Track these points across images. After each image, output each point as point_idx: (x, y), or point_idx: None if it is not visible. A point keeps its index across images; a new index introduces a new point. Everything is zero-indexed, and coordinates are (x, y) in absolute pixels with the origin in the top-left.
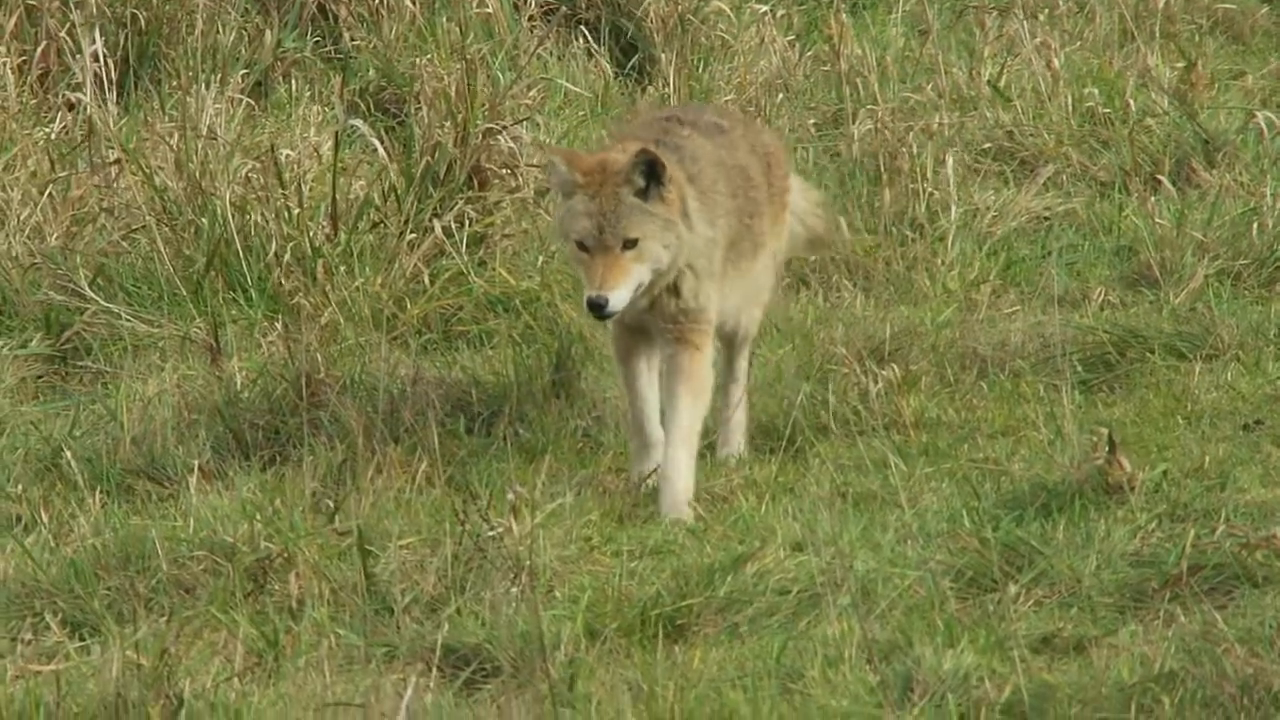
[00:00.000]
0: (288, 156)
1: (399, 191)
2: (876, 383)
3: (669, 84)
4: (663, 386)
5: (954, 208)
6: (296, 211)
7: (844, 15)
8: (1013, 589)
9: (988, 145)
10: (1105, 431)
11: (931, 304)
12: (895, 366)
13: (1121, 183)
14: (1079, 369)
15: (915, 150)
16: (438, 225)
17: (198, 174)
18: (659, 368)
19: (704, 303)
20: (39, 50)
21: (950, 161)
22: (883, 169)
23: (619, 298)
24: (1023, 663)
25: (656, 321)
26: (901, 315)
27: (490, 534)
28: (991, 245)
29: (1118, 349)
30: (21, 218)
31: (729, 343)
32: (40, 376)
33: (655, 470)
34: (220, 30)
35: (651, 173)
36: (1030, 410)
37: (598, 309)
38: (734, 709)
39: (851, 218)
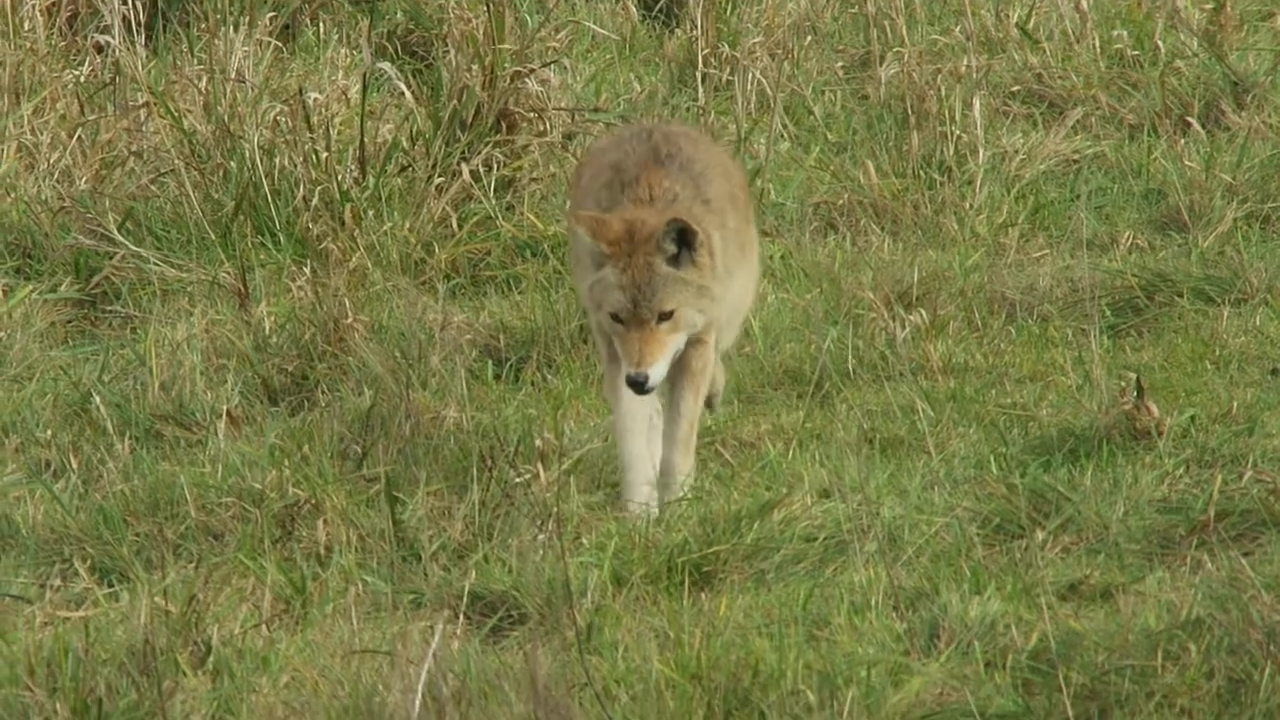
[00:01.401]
0: (315, 100)
1: (427, 135)
2: (904, 328)
3: (696, 26)
4: (670, 386)
5: (982, 151)
6: (324, 155)
7: None
8: (1040, 535)
9: (1016, 88)
10: (1133, 376)
11: (959, 248)
12: (923, 311)
13: (1150, 125)
14: (1107, 313)
15: (943, 93)
16: (465, 169)
17: (226, 117)
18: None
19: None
20: None
21: (978, 104)
22: (910, 112)
23: (658, 372)
24: (1049, 610)
25: None
26: (929, 259)
27: (518, 481)
28: (1020, 189)
29: (1146, 293)
30: (50, 161)
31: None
32: (69, 321)
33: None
34: None
35: (683, 239)
36: (1058, 355)
37: (638, 387)
38: (760, 656)
39: (879, 161)
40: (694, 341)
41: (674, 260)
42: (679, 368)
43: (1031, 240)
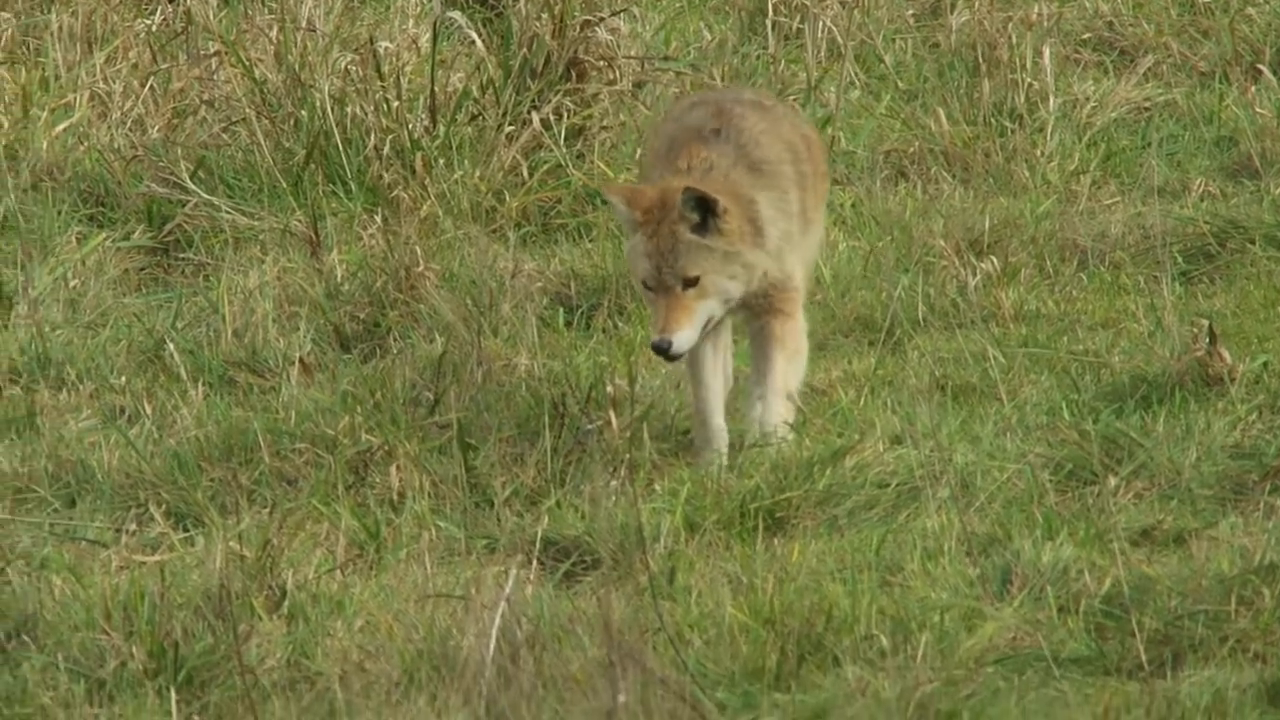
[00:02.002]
0: (386, 49)
1: (497, 84)
2: (975, 275)
3: None
4: (754, 354)
5: (1053, 99)
6: (395, 104)
7: None
8: (1112, 481)
9: (1087, 35)
10: (1205, 323)
11: (1031, 195)
12: (994, 259)
13: (1222, 72)
14: (1179, 260)
15: (1014, 41)
16: (536, 118)
17: (297, 66)
18: (724, 353)
19: (790, 269)
20: None
21: (1049, 52)
22: (981, 60)
23: (683, 339)
24: (1122, 555)
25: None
26: (1000, 207)
27: (590, 427)
28: (1091, 136)
29: (1218, 240)
30: (123, 110)
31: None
32: (142, 269)
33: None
34: None
35: (703, 207)
36: (1130, 302)
37: (661, 352)
38: (833, 602)
39: (950, 109)
40: (774, 312)
41: (699, 228)
42: (761, 339)
43: (1103, 187)
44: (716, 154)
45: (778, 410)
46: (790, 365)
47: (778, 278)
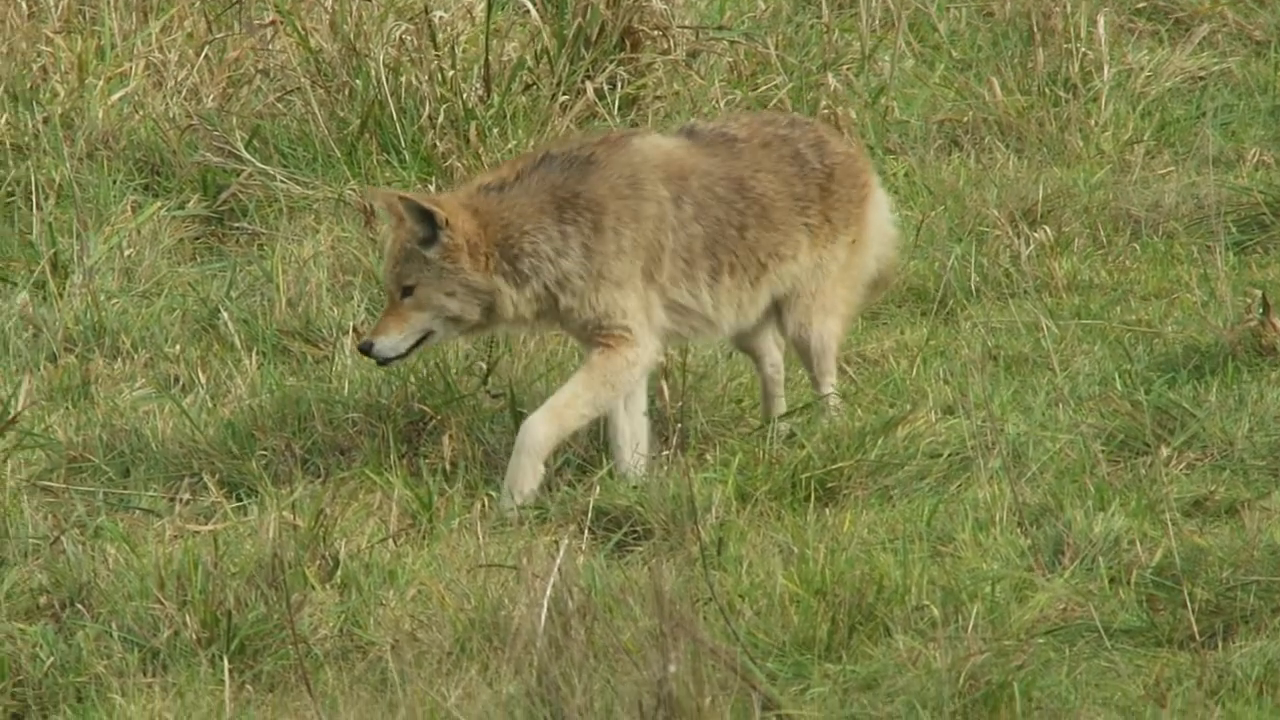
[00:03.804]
0: (441, 18)
1: (551, 53)
2: (1028, 245)
3: None
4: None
5: (1107, 68)
6: (450, 73)
7: None
8: (1164, 452)
9: (1142, 4)
10: (1259, 293)
11: (1084, 165)
12: (1047, 228)
13: (1277, 41)
14: (1233, 230)
15: (1068, 10)
16: (589, 87)
17: (352, 35)
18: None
19: (610, 307)
20: None
21: (1103, 21)
22: (1035, 29)
23: (385, 344)
24: (1174, 526)
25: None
26: (1054, 176)
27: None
28: (1145, 106)
29: (1272, 210)
30: (178, 79)
31: (802, 355)
32: (197, 238)
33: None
34: None
35: (426, 219)
36: (1183, 272)
37: (363, 353)
38: (884, 572)
39: (1004, 78)
40: (596, 344)
41: (425, 240)
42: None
43: (1157, 157)
44: (540, 175)
45: (536, 420)
46: (582, 393)
47: (588, 314)
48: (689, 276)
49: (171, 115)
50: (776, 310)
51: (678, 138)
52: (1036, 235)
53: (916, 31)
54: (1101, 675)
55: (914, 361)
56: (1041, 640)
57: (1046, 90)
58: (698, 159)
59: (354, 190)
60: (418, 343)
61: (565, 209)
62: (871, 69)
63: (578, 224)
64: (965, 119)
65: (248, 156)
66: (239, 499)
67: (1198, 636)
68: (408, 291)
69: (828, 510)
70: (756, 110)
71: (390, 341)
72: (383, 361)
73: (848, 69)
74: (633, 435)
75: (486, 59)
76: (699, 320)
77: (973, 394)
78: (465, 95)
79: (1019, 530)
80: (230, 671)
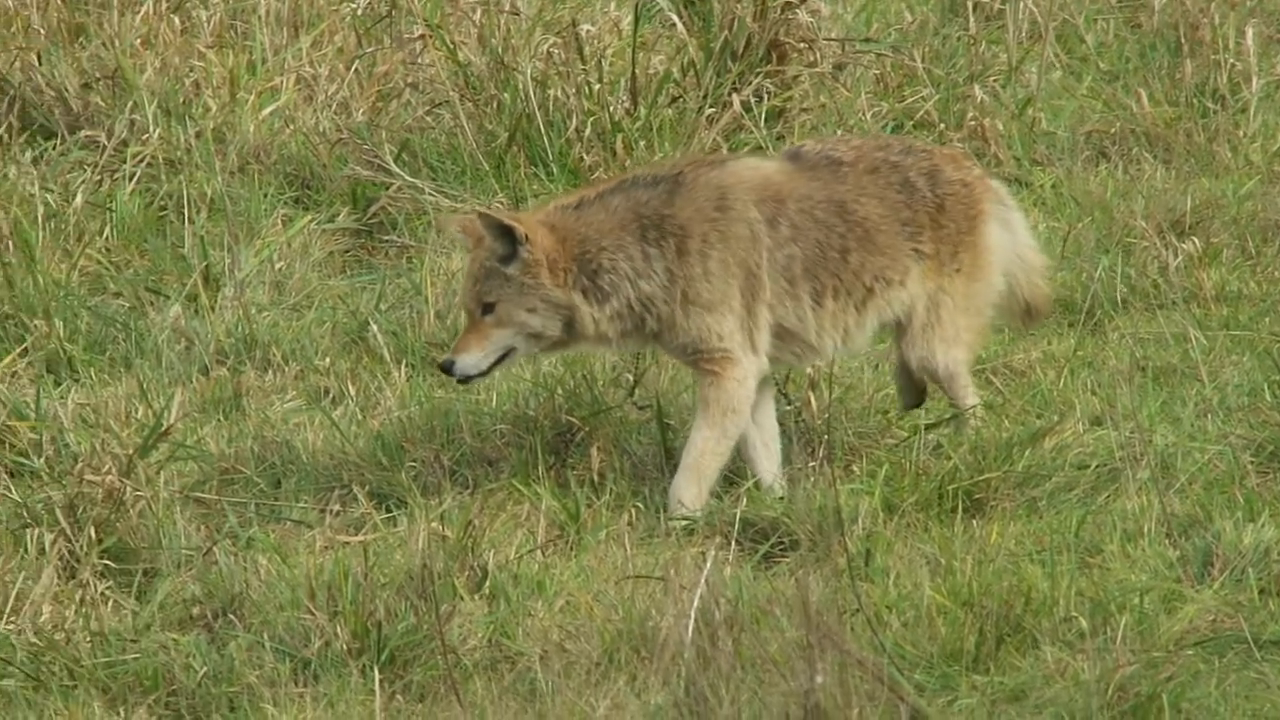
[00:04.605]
0: (588, 31)
1: (698, 66)
2: (1176, 255)
3: None
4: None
5: (1256, 79)
6: (597, 86)
7: None
8: None
9: None
10: None
11: (1233, 176)
12: (1196, 239)
13: None
14: None
15: (1216, 21)
16: (736, 100)
17: (500, 49)
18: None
19: (706, 330)
20: None
21: (1251, 32)
22: (1183, 40)
23: (466, 362)
24: None
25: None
26: (1202, 187)
27: (788, 408)
28: None
29: None
30: (328, 93)
31: (933, 382)
32: (346, 251)
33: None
34: None
35: (505, 235)
36: None
37: (444, 371)
38: (1032, 583)
39: (1152, 89)
40: (699, 369)
41: (505, 257)
42: (697, 396)
43: None
44: (624, 195)
45: (679, 486)
46: (709, 435)
47: (683, 339)
48: (793, 297)
49: (322, 129)
50: (897, 340)
51: (779, 161)
52: (1184, 246)
53: (1064, 43)
54: (1251, 687)
55: (1061, 372)
56: (1190, 652)
57: (1195, 101)
58: (797, 182)
59: (502, 203)
60: (499, 360)
61: (648, 230)
62: (1018, 80)
63: (661, 247)
64: (1113, 130)
65: (397, 170)
66: (388, 510)
67: None
68: (488, 309)
69: (975, 521)
70: (873, 134)
71: (471, 359)
72: (464, 380)
73: (994, 80)
74: (764, 443)
75: (633, 72)
76: (801, 345)
77: (1121, 405)
78: (612, 108)
79: (1167, 541)
80: (380, 682)
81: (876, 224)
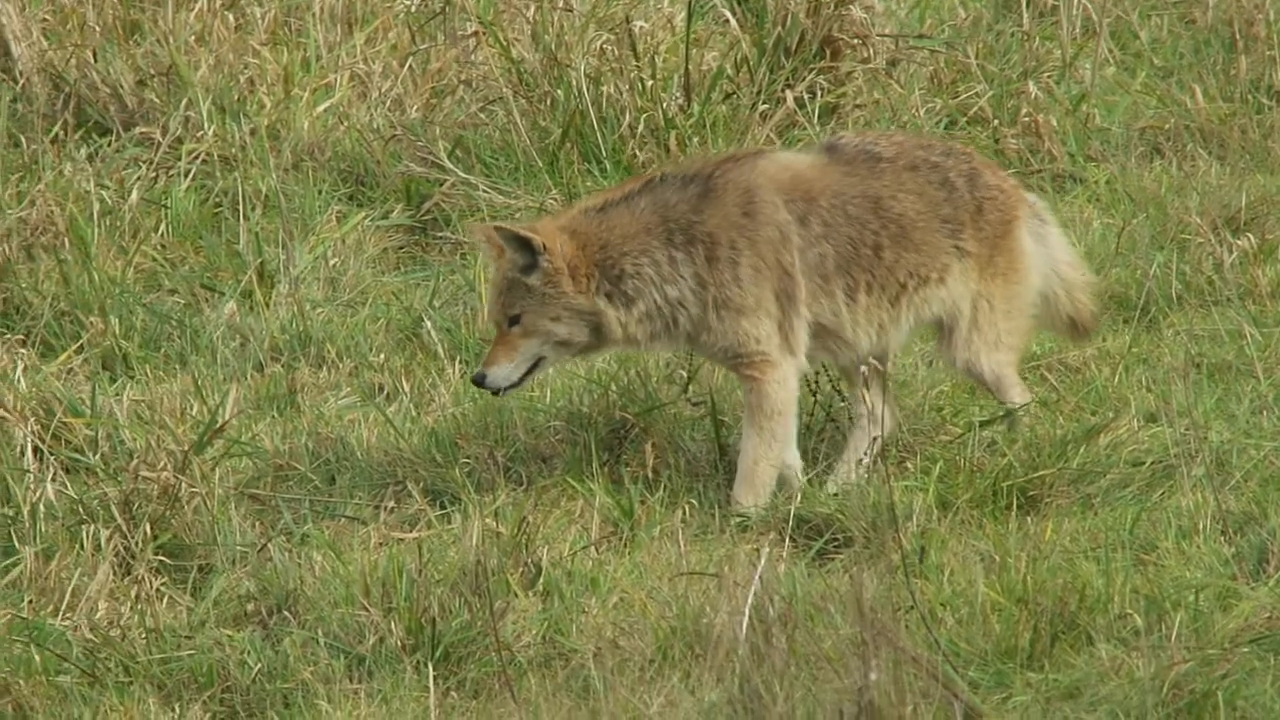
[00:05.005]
0: (641, 28)
1: (751, 62)
2: (1231, 252)
3: None
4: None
5: None
6: (650, 83)
7: None
8: None
9: None
10: None
11: None
12: (1251, 235)
13: None
14: None
15: (1271, 17)
16: (789, 96)
17: (554, 46)
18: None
19: (742, 334)
20: None
21: None
22: (1238, 36)
23: (498, 374)
24: None
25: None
26: (1258, 184)
27: (842, 405)
28: None
29: None
30: (382, 90)
31: (979, 385)
32: (400, 247)
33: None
34: None
35: (524, 246)
36: None
37: (476, 384)
38: (1087, 580)
39: (1206, 86)
40: (740, 373)
41: (526, 268)
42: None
43: None
44: (651, 196)
45: (737, 495)
46: (760, 439)
47: (720, 343)
48: (827, 294)
49: (376, 126)
50: (940, 346)
51: (814, 154)
52: (1239, 242)
53: (1118, 39)
54: None
55: (1116, 369)
56: (1246, 649)
57: (1249, 97)
58: (830, 178)
59: (555, 199)
60: (530, 370)
61: (675, 235)
62: (1073, 76)
63: (689, 252)
64: (1167, 126)
65: (450, 166)
66: (442, 507)
67: None
68: (514, 320)
69: (1029, 518)
70: (915, 132)
71: (503, 371)
72: (497, 392)
73: (1048, 77)
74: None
75: (686, 68)
76: (837, 341)
77: (1176, 401)
78: (665, 105)
79: (1222, 538)
80: (435, 678)
81: (913, 220)
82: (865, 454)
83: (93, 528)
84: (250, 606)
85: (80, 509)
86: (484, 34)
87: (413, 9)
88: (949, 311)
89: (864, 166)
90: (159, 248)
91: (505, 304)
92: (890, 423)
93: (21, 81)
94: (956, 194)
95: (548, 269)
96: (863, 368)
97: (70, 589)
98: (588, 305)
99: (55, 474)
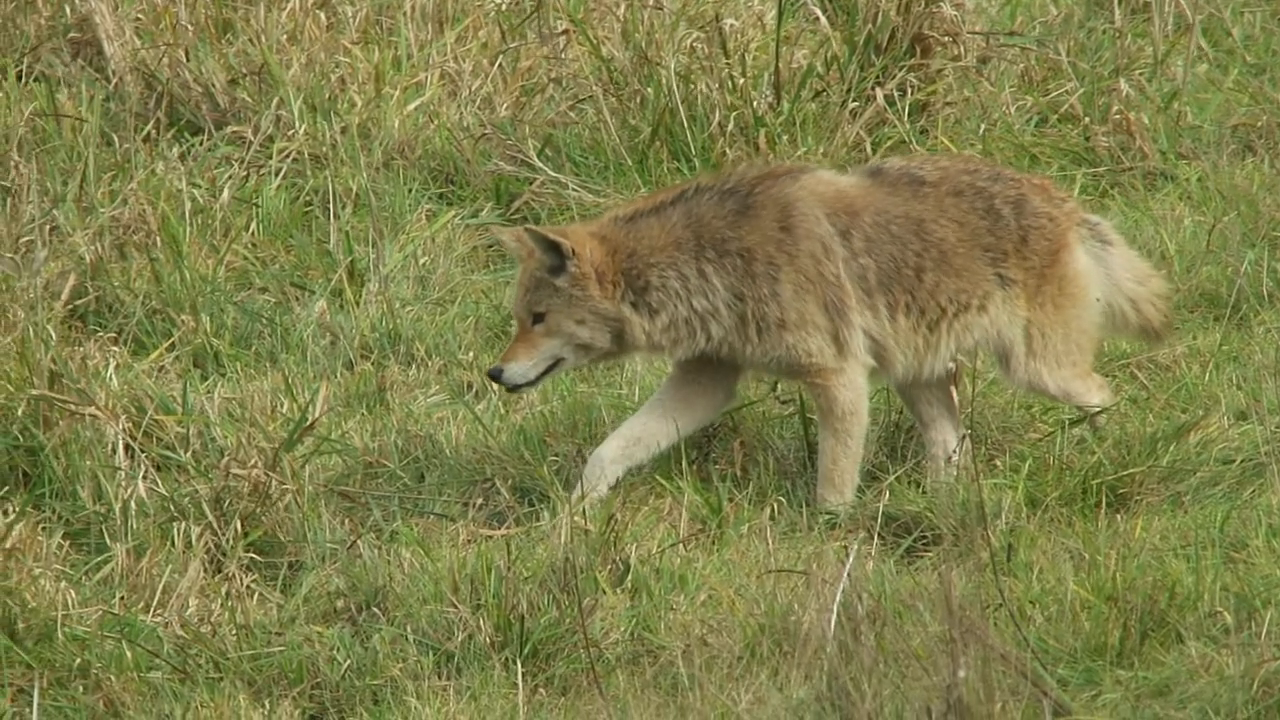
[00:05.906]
0: (732, 26)
1: (841, 60)
2: None
3: None
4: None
5: None
6: (740, 81)
7: None
8: None
9: None
10: None
11: None
12: None
13: None
14: None
15: None
16: (879, 93)
17: (644, 44)
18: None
19: (797, 345)
20: None
21: None
22: None
23: (515, 370)
24: None
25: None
26: None
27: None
28: None
29: None
30: (472, 89)
31: (1050, 400)
32: (490, 245)
33: None
34: None
35: (552, 249)
36: None
37: (492, 379)
38: (1176, 578)
39: None
40: (805, 382)
41: (554, 269)
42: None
43: None
44: (685, 208)
45: (821, 496)
46: (835, 440)
47: (770, 355)
48: (870, 308)
49: (465, 124)
50: (1002, 372)
51: (857, 176)
52: None
53: (1210, 36)
54: None
55: (1206, 367)
56: None
57: None
58: (873, 197)
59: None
60: (547, 370)
61: (707, 248)
62: (1164, 74)
63: (722, 265)
64: (1259, 123)
65: (540, 165)
66: (530, 504)
67: None
68: (538, 319)
69: (1119, 516)
70: (962, 156)
71: (520, 368)
72: (512, 388)
73: (1140, 74)
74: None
75: (776, 66)
76: (879, 355)
77: (1266, 399)
78: (755, 103)
79: None
80: (523, 675)
81: (954, 246)
82: (954, 452)
83: (184, 525)
84: (340, 603)
85: (171, 506)
86: (574, 32)
87: (503, 8)
88: (994, 340)
89: (907, 189)
90: (250, 246)
91: (531, 301)
92: (952, 426)
93: (114, 81)
94: (1001, 222)
95: (575, 273)
96: (950, 364)
97: (161, 586)
98: (613, 311)
99: (146, 471)
